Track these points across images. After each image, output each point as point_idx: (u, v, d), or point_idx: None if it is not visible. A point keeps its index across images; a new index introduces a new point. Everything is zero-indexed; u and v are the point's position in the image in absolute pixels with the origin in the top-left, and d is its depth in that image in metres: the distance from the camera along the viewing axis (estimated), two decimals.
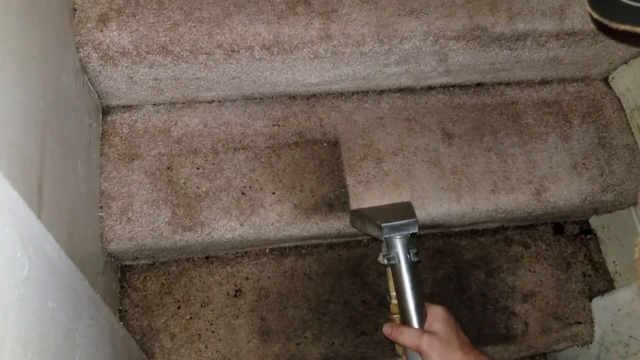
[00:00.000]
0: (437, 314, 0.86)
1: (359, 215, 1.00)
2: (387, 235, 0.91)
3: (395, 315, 0.93)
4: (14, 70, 0.58)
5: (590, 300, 1.19)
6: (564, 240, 1.25)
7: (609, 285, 1.22)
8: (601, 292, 1.19)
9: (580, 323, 1.17)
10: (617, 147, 1.12)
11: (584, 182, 1.09)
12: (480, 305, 1.16)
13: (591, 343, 1.19)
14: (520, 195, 1.06)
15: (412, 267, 0.91)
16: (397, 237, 0.91)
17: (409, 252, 0.91)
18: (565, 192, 1.07)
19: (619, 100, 1.17)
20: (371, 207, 1.02)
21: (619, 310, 1.12)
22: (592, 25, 1.01)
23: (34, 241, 0.42)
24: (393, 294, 0.93)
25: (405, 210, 0.98)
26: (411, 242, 0.92)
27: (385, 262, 0.93)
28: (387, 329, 0.89)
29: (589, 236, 1.26)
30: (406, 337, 0.85)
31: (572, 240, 1.25)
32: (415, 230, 0.92)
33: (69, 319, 0.50)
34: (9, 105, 0.54)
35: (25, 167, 0.57)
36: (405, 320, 0.88)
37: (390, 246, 0.92)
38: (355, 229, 1.02)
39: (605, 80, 1.20)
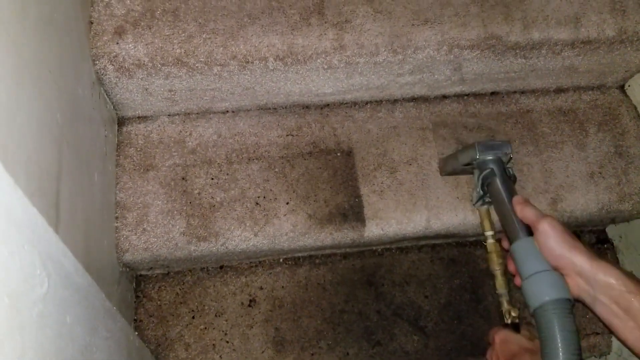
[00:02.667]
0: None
1: (448, 157, 1.02)
2: (481, 155, 0.92)
3: (492, 254, 0.94)
4: (31, 84, 0.59)
5: None
6: None
7: None
8: None
9: (597, 334, 1.15)
10: (634, 155, 1.11)
11: (600, 191, 1.07)
12: (496, 316, 1.14)
13: (609, 354, 1.17)
14: (536, 204, 1.03)
15: (510, 181, 0.91)
16: (491, 155, 0.92)
17: (505, 168, 0.92)
18: (581, 201, 1.06)
19: (636, 108, 1.16)
20: None
21: None
22: (607, 33, 1.01)
23: (53, 257, 0.42)
24: (489, 233, 0.95)
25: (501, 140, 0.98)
26: (506, 164, 0.94)
27: (475, 198, 0.95)
28: (517, 207, 0.84)
29: (605, 245, 1.24)
30: (531, 210, 0.81)
31: None
32: (509, 151, 0.92)
33: (86, 333, 0.50)
34: (26, 120, 0.55)
35: (43, 181, 0.58)
36: (510, 233, 0.85)
37: (484, 166, 0.92)
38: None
39: (622, 88, 1.19)
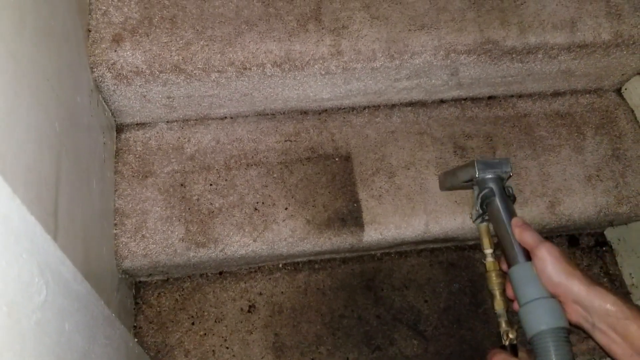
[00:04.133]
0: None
1: (448, 173, 1.01)
2: (480, 173, 0.90)
3: (491, 272, 0.91)
4: (30, 94, 0.59)
5: None
6: (579, 252, 1.23)
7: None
8: None
9: None
10: (631, 158, 1.11)
11: (598, 194, 1.08)
12: (495, 319, 1.14)
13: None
14: (534, 208, 1.06)
15: (509, 201, 0.90)
16: (490, 174, 0.91)
17: (504, 187, 0.90)
18: (579, 204, 1.07)
19: (633, 112, 1.17)
20: None
21: None
22: (603, 37, 1.01)
23: (51, 265, 0.42)
24: (488, 251, 0.92)
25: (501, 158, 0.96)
26: (505, 182, 0.92)
27: (475, 215, 0.93)
28: (516, 231, 0.83)
29: (604, 248, 1.25)
30: (531, 234, 0.80)
31: (588, 253, 1.24)
32: (509, 170, 0.91)
33: (85, 341, 0.50)
34: (25, 130, 0.55)
35: (41, 190, 0.58)
36: (508, 255, 0.84)
37: (483, 184, 0.91)
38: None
39: (618, 91, 1.20)
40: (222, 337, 1.07)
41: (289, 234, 1.00)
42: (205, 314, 1.09)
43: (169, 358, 1.04)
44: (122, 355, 0.67)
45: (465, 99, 1.14)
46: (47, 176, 0.61)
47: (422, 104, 1.14)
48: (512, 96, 1.16)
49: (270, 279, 1.13)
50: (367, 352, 1.10)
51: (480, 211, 0.93)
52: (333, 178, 1.05)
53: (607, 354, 0.74)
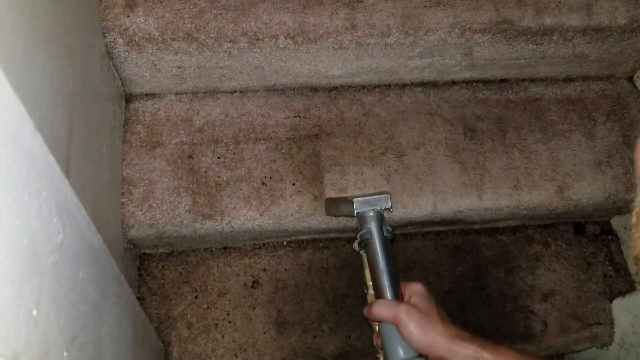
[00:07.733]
0: (415, 289, 0.81)
1: (333, 201, 0.98)
2: (359, 210, 0.87)
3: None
4: (45, 47, 0.58)
5: (611, 301, 1.17)
6: (585, 240, 1.23)
7: (630, 287, 1.20)
8: (622, 293, 1.17)
9: (600, 324, 1.15)
10: None
11: (607, 180, 1.07)
12: (499, 304, 1.14)
13: (611, 344, 1.17)
14: (543, 192, 1.05)
15: (386, 243, 0.86)
16: (370, 212, 0.87)
17: (382, 227, 0.86)
18: (588, 190, 1.06)
19: None
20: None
21: None
22: (619, 22, 1.00)
23: (68, 209, 0.42)
24: (370, 283, 0.88)
25: (380, 193, 0.92)
26: (385, 219, 0.89)
27: (357, 247, 0.89)
28: (365, 309, 0.82)
29: (610, 237, 1.24)
30: (382, 307, 0.78)
31: (593, 241, 1.23)
32: (388, 205, 0.87)
33: (97, 293, 0.50)
34: (40, 80, 0.54)
35: (54, 144, 0.58)
36: (380, 297, 0.82)
37: (363, 222, 0.87)
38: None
39: (631, 79, 1.19)
40: (225, 311, 1.07)
41: (295, 209, 1.00)
42: (209, 287, 1.08)
43: (171, 330, 1.04)
44: (130, 317, 0.67)
45: (477, 81, 1.14)
46: (60, 132, 0.61)
47: (433, 84, 1.13)
48: (524, 80, 1.15)
49: (274, 255, 1.13)
50: (369, 331, 1.09)
51: (361, 249, 0.90)
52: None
53: None
